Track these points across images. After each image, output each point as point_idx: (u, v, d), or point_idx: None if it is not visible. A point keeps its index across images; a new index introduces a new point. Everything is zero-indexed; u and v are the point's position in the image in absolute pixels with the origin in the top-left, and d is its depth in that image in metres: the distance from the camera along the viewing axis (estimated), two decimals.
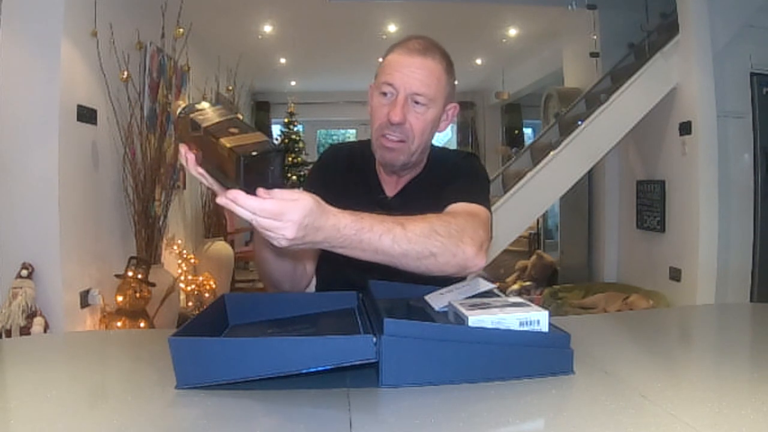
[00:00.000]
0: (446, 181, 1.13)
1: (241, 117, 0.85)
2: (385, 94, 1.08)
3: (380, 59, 1.14)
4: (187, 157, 0.82)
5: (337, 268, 1.09)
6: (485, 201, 1.09)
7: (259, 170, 0.75)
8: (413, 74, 1.06)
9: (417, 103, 1.07)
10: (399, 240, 0.86)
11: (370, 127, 1.14)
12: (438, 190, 1.11)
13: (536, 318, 0.82)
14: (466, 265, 0.93)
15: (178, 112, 0.85)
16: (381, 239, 0.84)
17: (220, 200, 0.76)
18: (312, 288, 1.25)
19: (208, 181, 0.82)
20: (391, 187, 1.19)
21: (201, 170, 0.82)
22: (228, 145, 0.74)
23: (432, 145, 1.20)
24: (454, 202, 1.04)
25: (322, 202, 0.80)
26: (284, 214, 0.75)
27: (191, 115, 0.81)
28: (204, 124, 0.79)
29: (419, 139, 1.09)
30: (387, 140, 1.08)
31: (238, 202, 0.74)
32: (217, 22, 4.48)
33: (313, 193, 0.80)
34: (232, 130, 0.78)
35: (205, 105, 0.83)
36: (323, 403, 0.75)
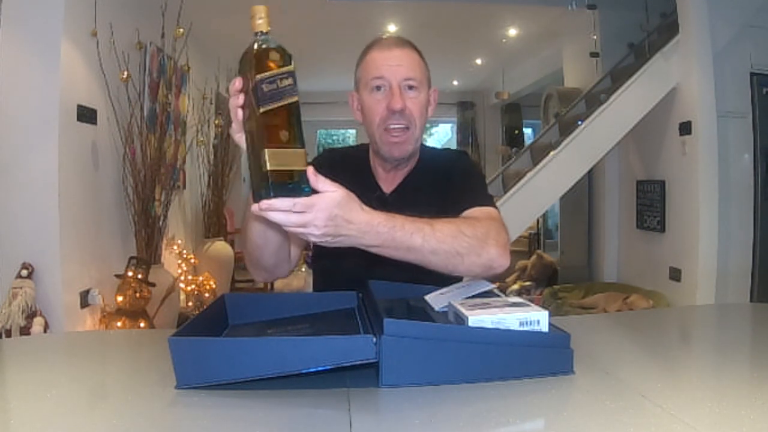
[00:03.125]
0: (446, 179, 1.18)
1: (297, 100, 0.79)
2: (378, 88, 1.13)
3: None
4: (238, 110, 0.81)
5: (335, 260, 1.09)
6: (492, 201, 1.15)
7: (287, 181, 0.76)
8: (399, 63, 1.13)
9: (410, 88, 1.13)
10: (428, 239, 0.89)
11: (367, 127, 1.17)
12: (434, 186, 1.17)
13: (536, 318, 0.83)
14: (492, 266, 0.97)
15: (258, 45, 0.80)
16: (412, 237, 0.88)
17: (254, 208, 0.77)
18: (309, 286, 1.24)
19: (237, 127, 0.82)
20: (387, 184, 1.22)
21: (240, 117, 0.81)
22: (265, 168, 0.74)
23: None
24: (470, 206, 1.09)
25: (355, 198, 0.82)
26: (314, 205, 0.76)
27: (260, 77, 0.76)
28: (262, 107, 0.75)
29: (419, 122, 1.14)
30: (393, 133, 1.13)
31: (273, 208, 0.75)
32: (217, 22, 4.47)
33: None
34: (283, 134, 0.75)
35: (283, 69, 0.77)
36: (323, 403, 0.75)
